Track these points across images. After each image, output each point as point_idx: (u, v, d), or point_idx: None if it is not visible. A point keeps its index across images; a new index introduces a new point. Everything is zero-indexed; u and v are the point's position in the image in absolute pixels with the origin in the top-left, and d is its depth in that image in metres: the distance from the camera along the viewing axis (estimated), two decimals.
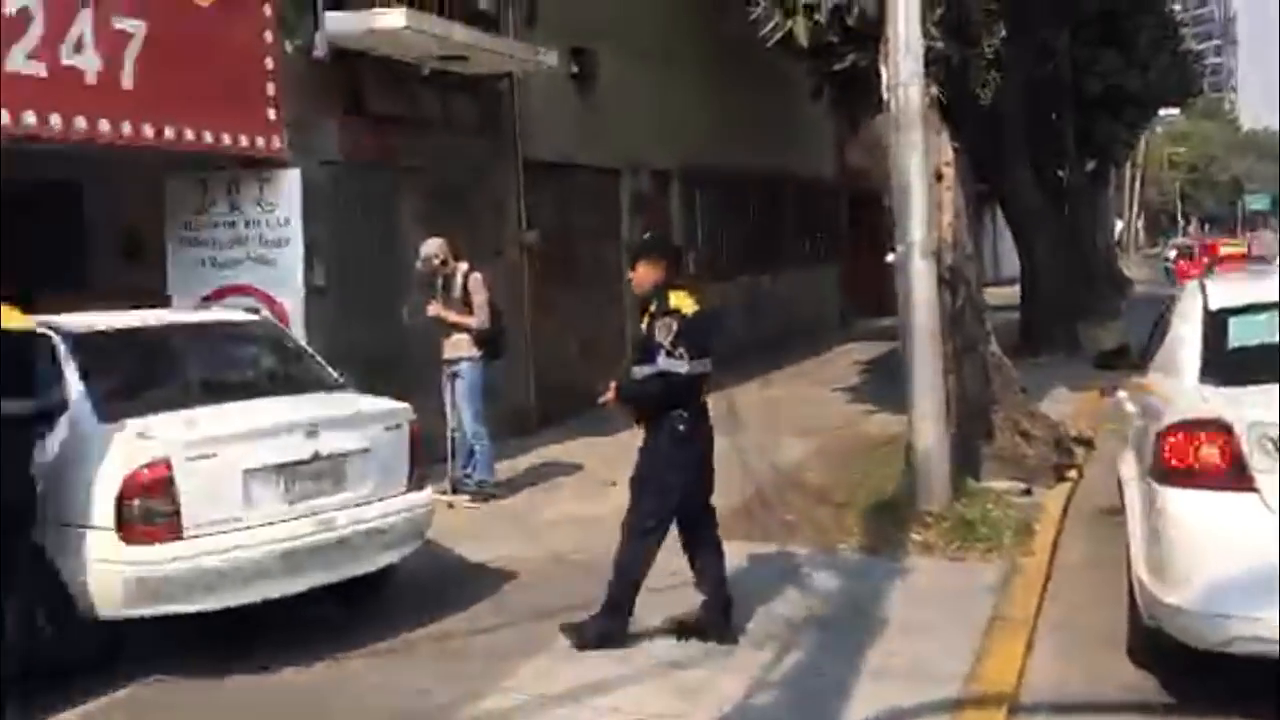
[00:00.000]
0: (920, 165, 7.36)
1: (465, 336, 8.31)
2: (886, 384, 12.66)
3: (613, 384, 5.46)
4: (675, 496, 5.31)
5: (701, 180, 15.86)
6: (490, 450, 8.56)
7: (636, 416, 5.40)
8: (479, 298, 8.33)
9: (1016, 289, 18.75)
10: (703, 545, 5.53)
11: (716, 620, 5.43)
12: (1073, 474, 8.58)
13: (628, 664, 5.17)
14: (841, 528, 7.31)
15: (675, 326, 5.16)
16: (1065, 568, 6.61)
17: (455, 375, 8.31)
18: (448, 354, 8.35)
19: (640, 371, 5.30)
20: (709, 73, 15.67)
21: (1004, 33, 13.75)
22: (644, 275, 5.41)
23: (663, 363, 5.15)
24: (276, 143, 7.84)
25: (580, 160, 12.60)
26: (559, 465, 9.80)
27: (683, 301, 5.26)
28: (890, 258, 7.58)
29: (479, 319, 8.32)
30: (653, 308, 5.29)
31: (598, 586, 6.28)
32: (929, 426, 7.34)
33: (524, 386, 11.44)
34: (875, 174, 8.69)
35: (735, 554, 6.82)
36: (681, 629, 5.40)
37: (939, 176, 8.24)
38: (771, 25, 9.34)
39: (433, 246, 8.32)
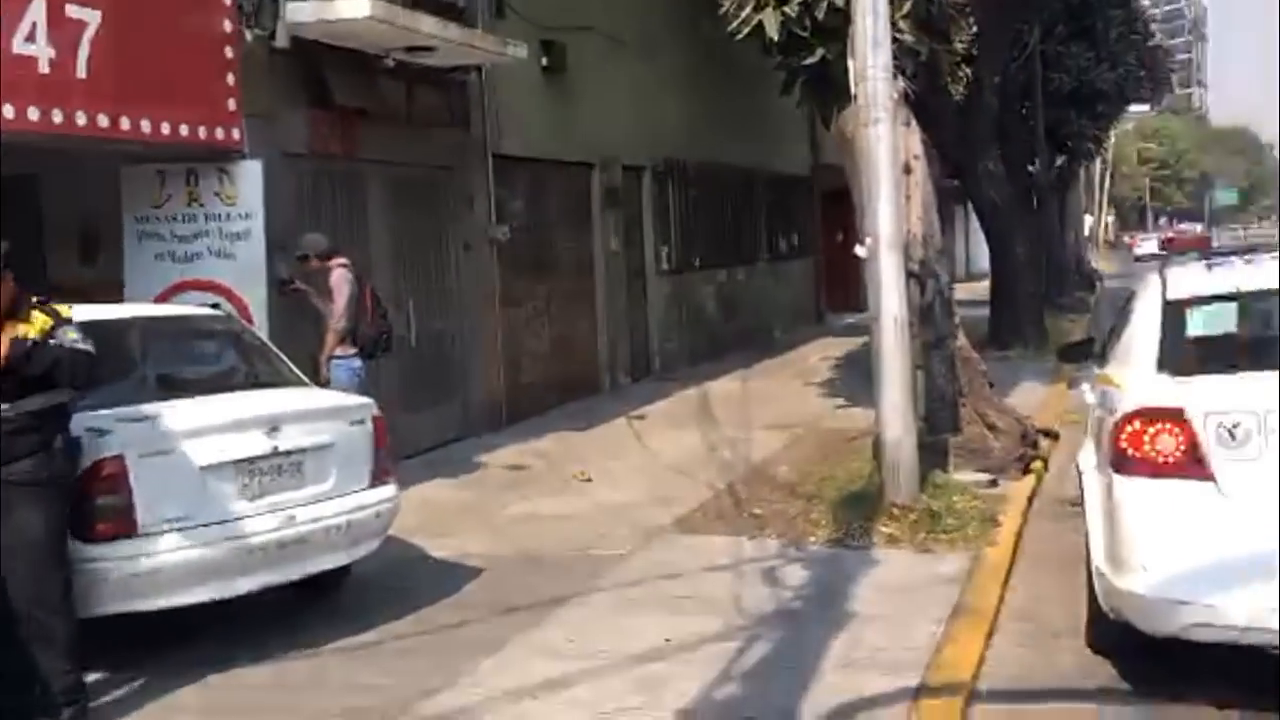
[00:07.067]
0: (888, 158, 7.33)
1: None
2: (858, 379, 12.68)
3: None
4: None
5: (675, 174, 15.84)
6: None
7: None
8: (339, 296, 7.89)
9: (987, 284, 18.81)
10: None
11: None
12: (1038, 466, 8.60)
13: (591, 659, 5.13)
14: (810, 521, 7.31)
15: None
16: (1028, 558, 6.63)
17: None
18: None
19: None
20: (684, 67, 15.65)
21: (974, 28, 13.91)
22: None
23: None
24: (236, 134, 7.74)
25: (551, 154, 12.54)
26: (528, 461, 9.75)
27: (36, 326, 4.47)
28: (859, 251, 7.55)
29: (334, 316, 7.89)
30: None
31: (562, 582, 6.31)
32: (897, 419, 7.33)
33: (495, 381, 11.38)
34: (846, 168, 8.68)
35: (705, 548, 6.90)
36: None
37: (907, 170, 8.24)
38: (741, 19, 9.32)
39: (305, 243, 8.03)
